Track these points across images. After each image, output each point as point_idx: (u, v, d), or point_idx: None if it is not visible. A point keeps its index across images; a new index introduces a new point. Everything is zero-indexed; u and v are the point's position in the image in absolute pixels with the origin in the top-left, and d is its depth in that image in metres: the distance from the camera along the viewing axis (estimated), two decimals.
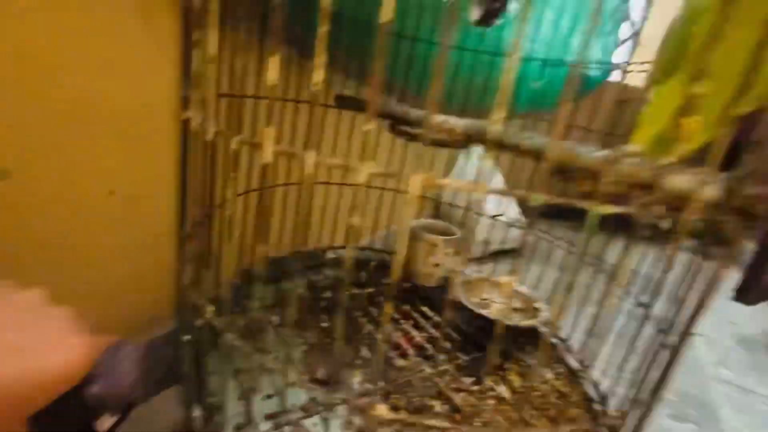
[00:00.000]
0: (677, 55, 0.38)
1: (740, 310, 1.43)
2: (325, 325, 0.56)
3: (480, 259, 1.27)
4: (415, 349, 0.55)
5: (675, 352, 0.37)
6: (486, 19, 0.51)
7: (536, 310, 0.64)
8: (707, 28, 0.31)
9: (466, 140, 0.46)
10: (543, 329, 0.66)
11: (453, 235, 0.72)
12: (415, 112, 0.54)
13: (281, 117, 0.66)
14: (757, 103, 0.32)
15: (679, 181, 0.25)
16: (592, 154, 0.33)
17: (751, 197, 0.23)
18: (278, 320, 0.54)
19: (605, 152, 0.33)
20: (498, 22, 0.52)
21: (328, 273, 0.72)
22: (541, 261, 0.75)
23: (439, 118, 0.50)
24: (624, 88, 0.63)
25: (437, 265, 0.69)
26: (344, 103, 0.71)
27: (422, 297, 0.68)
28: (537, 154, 0.39)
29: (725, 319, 1.23)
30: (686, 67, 0.36)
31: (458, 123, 0.47)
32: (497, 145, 0.43)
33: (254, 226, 0.27)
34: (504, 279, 0.71)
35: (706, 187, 0.25)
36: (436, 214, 1.38)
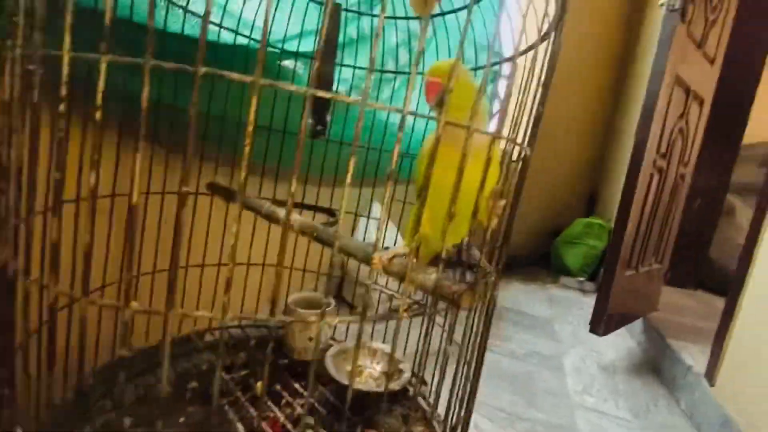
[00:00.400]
0: (416, 184, 0.49)
1: (603, 340, 1.61)
2: (182, 420, 0.56)
3: (384, 318, 1.33)
4: (279, 430, 0.57)
5: (474, 371, 0.46)
6: (315, 137, 0.61)
7: (401, 371, 0.70)
8: (422, 170, 0.42)
9: (302, 233, 0.53)
10: (409, 389, 0.72)
11: (327, 307, 0.77)
12: (266, 208, 0.60)
13: (150, 210, 0.68)
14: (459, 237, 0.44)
15: (399, 270, 0.34)
16: (370, 252, 0.42)
17: (451, 292, 0.32)
18: (131, 421, 0.53)
19: (382, 253, 0.41)
20: (323, 137, 0.62)
21: (202, 358, 0.72)
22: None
23: (281, 213, 0.57)
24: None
25: (311, 339, 0.73)
26: (216, 191, 0.75)
27: (296, 373, 0.71)
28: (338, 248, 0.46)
29: (590, 350, 1.42)
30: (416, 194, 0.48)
31: (296, 219, 0.54)
32: (321, 241, 0.50)
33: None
34: (376, 344, 0.77)
35: (426, 281, 0.33)
36: (341, 279, 1.43)
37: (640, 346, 1.48)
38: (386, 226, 1.08)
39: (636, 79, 2.37)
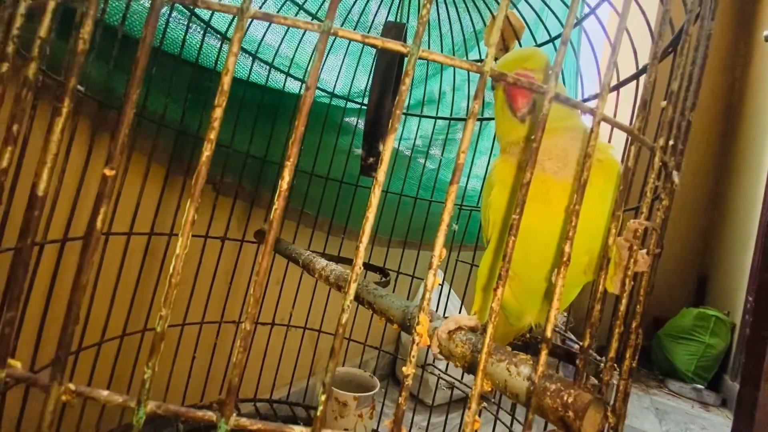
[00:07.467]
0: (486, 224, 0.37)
1: None
2: None
3: (444, 406, 1.11)
4: None
5: None
6: (365, 172, 0.52)
7: None
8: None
9: (336, 287, 0.42)
10: None
11: (371, 389, 0.62)
12: (304, 257, 0.51)
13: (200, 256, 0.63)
14: None
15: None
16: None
17: (563, 404, 0.18)
18: None
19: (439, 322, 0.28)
20: (374, 174, 0.54)
21: None
22: None
23: (321, 263, 0.47)
24: None
25: (347, 430, 0.58)
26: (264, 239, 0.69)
27: None
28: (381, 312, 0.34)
29: None
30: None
31: (334, 270, 0.44)
32: (356, 298, 0.38)
33: None
34: None
35: (514, 380, 0.19)
36: (394, 355, 1.25)
37: None
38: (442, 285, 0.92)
39: (748, 135, 2.04)
